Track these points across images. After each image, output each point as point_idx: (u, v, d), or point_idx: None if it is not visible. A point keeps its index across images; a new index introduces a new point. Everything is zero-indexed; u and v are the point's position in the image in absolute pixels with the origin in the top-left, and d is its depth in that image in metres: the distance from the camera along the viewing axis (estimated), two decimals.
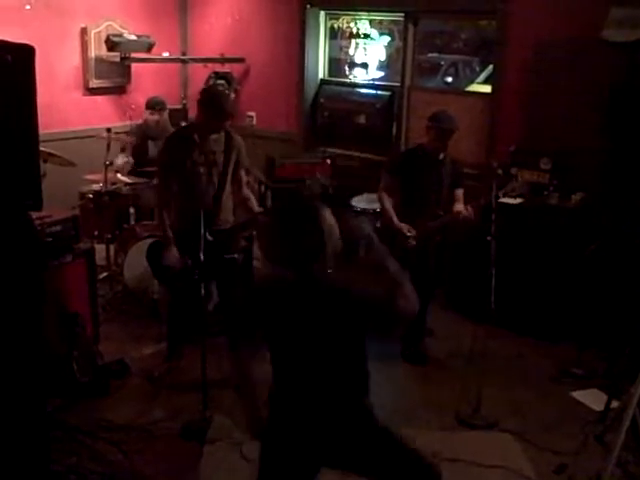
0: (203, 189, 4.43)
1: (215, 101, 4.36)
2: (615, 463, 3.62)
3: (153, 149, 6.28)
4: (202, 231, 4.11)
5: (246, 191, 4.71)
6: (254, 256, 5.85)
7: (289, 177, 6.77)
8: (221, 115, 4.35)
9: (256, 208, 4.65)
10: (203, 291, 4.13)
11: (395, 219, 4.86)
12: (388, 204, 4.94)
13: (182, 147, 4.41)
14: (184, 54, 7.87)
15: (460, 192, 4.99)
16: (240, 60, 7.60)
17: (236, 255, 4.38)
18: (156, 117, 6.35)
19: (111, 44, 6.90)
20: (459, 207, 4.88)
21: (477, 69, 7.19)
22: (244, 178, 4.73)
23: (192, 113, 6.77)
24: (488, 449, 4.06)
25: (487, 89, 6.40)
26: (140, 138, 6.41)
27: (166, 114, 6.43)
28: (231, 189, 4.57)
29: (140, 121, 6.57)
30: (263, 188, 6.85)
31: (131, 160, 6.29)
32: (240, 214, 4.77)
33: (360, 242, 2.63)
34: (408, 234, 4.81)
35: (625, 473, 3.78)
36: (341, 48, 7.50)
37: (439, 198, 4.95)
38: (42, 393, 3.45)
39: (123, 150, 6.31)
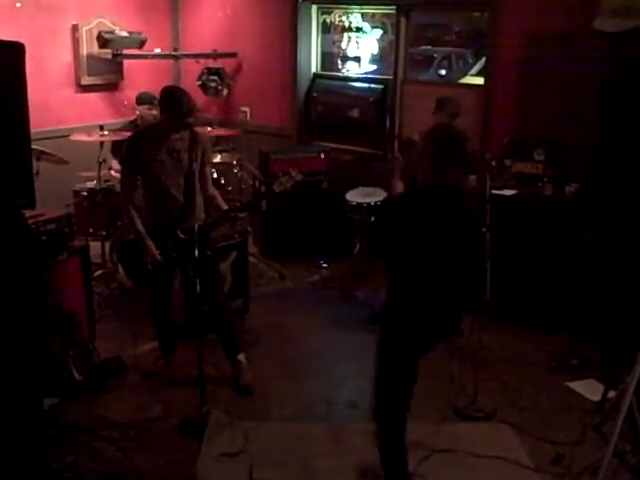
0: (170, 188, 4.41)
1: (173, 100, 4.32)
2: (613, 453, 3.63)
3: None
4: (195, 228, 4.14)
5: (212, 189, 4.68)
6: (249, 252, 5.86)
7: (283, 172, 6.75)
8: (180, 114, 4.31)
9: (224, 206, 4.62)
10: (199, 288, 4.14)
11: None
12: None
13: (145, 147, 4.38)
14: (176, 50, 7.86)
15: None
16: (232, 55, 7.59)
17: (209, 252, 4.35)
18: (154, 112, 6.32)
19: (103, 41, 6.88)
20: None
21: (470, 61, 7.19)
22: (209, 175, 4.72)
23: None
24: (485, 440, 4.07)
25: (480, 81, 6.39)
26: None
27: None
28: (199, 186, 4.54)
29: (133, 117, 6.55)
30: (257, 183, 6.86)
31: None
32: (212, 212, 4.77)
33: None
34: None
35: (623, 463, 3.79)
36: (334, 42, 7.49)
37: None
38: (39, 392, 3.44)
39: (116, 153, 6.25)
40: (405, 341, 3.30)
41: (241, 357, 4.70)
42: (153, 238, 4.41)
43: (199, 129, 4.71)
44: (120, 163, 4.82)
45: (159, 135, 4.40)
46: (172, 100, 4.33)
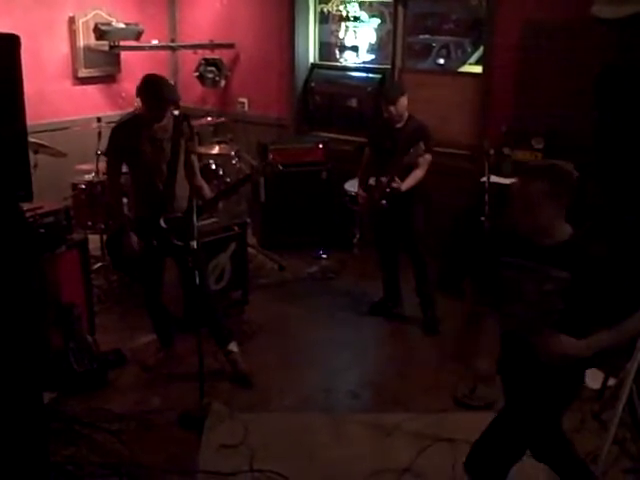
0: (153, 178, 4.39)
1: (152, 89, 4.31)
2: (613, 441, 3.63)
3: None
4: (194, 220, 4.12)
5: (199, 179, 4.65)
6: (248, 243, 5.86)
7: (282, 162, 6.75)
8: (160, 103, 4.29)
9: (209, 194, 4.61)
10: (198, 280, 4.13)
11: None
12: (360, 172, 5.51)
13: (128, 137, 4.37)
14: (173, 41, 7.84)
15: (421, 159, 5.01)
16: (230, 46, 7.56)
17: (193, 242, 4.16)
18: None
19: (100, 33, 6.85)
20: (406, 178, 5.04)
21: (469, 50, 7.15)
22: (196, 164, 4.69)
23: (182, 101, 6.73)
24: None
25: (479, 70, 6.37)
26: None
27: None
28: (184, 175, 4.51)
29: (131, 109, 6.52)
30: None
31: None
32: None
33: None
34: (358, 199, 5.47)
35: (623, 450, 3.79)
36: (331, 32, 7.45)
37: (393, 164, 5.02)
38: (39, 385, 3.44)
39: None
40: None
41: (232, 346, 4.66)
42: (138, 227, 4.43)
43: (194, 120, 4.66)
44: (105, 153, 4.81)
45: (141, 124, 4.38)
46: (151, 89, 4.31)
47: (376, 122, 5.51)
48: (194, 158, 4.64)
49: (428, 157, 5.02)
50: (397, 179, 4.97)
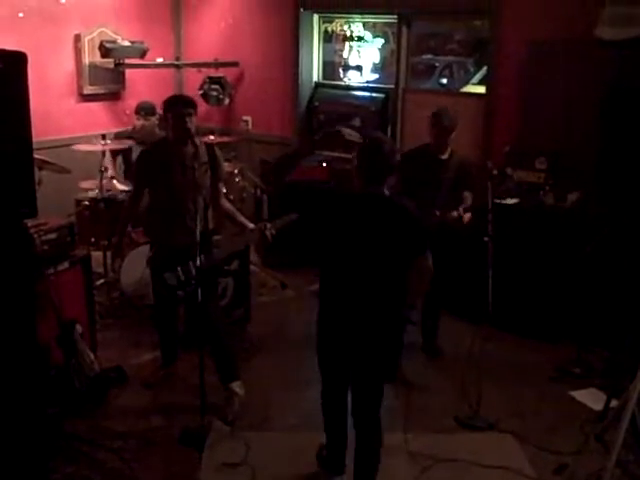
0: (182, 205, 4.31)
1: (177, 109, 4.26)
2: (615, 462, 3.61)
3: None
4: (197, 236, 4.09)
5: (227, 203, 4.64)
6: (251, 261, 5.86)
7: (286, 181, 6.77)
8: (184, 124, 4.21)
9: (250, 225, 4.50)
10: (200, 297, 4.10)
11: None
12: None
13: (156, 162, 4.34)
14: (178, 59, 7.88)
15: (467, 194, 4.89)
16: (234, 64, 7.60)
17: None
18: (142, 122, 6.31)
19: (105, 50, 6.89)
20: (455, 211, 4.77)
21: (472, 70, 7.18)
22: (222, 190, 4.68)
23: None
24: (488, 450, 4.06)
25: (482, 90, 6.40)
26: (128, 143, 6.36)
27: (155, 119, 6.35)
28: (209, 201, 4.46)
29: (130, 127, 6.56)
30: (259, 192, 6.87)
31: (122, 165, 6.30)
32: (228, 227, 4.75)
33: None
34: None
35: (625, 472, 3.78)
36: (335, 51, 7.50)
37: (436, 198, 4.80)
38: (41, 402, 3.44)
39: (114, 157, 6.29)
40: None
41: (235, 386, 4.45)
42: (171, 256, 4.31)
43: (202, 139, 4.66)
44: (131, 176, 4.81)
45: (169, 150, 4.33)
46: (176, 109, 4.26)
47: (413, 151, 5.14)
48: (221, 185, 4.63)
49: (468, 194, 4.90)
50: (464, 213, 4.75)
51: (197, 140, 4.39)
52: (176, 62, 7.77)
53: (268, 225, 4.38)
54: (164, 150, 4.37)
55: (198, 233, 4.07)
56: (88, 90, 7.22)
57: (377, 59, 7.29)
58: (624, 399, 3.82)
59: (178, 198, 4.31)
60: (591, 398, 4.63)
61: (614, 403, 4.17)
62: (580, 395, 4.69)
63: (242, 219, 4.57)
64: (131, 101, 7.33)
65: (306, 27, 7.31)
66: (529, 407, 4.54)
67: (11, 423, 3.14)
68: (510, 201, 5.51)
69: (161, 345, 4.83)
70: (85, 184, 6.08)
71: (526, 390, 4.75)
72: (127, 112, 7.13)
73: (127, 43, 7.11)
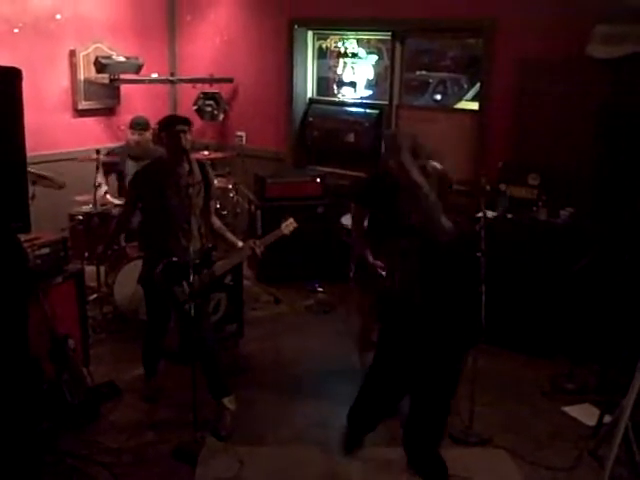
0: (178, 225, 4.32)
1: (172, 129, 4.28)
2: (609, 478, 3.61)
3: (132, 169, 6.24)
4: (190, 250, 4.10)
5: (217, 221, 4.69)
6: (244, 275, 5.86)
7: (279, 196, 6.78)
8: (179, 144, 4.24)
9: (239, 243, 4.57)
10: (193, 312, 4.10)
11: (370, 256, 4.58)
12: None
13: (154, 181, 4.36)
14: (173, 75, 7.90)
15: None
16: (229, 80, 7.63)
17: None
18: (136, 137, 6.31)
19: (100, 66, 6.92)
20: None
21: (465, 86, 7.22)
22: (214, 207, 4.74)
23: None
24: (482, 465, 4.05)
25: (475, 106, 6.44)
26: (122, 158, 6.36)
27: (149, 134, 6.37)
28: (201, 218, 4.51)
29: (124, 142, 6.57)
30: (253, 207, 6.88)
31: (116, 182, 6.31)
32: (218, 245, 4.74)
33: None
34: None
35: None
36: (329, 67, 7.53)
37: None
38: (33, 417, 3.42)
39: (107, 173, 6.30)
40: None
41: (227, 402, 4.40)
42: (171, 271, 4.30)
43: (195, 156, 4.69)
44: (125, 195, 4.85)
45: (164, 171, 4.36)
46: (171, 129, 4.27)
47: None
48: (213, 202, 4.68)
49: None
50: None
51: (191, 158, 4.39)
52: (171, 78, 7.80)
53: (257, 242, 4.43)
54: (159, 170, 4.40)
55: (192, 252, 4.11)
56: (83, 105, 7.23)
57: (371, 75, 7.33)
58: (617, 415, 3.83)
59: (172, 219, 4.33)
60: (585, 413, 4.63)
61: (607, 419, 4.17)
62: (574, 410, 4.69)
63: (231, 237, 4.63)
64: (126, 116, 7.34)
65: (300, 43, 7.35)
66: (523, 423, 4.53)
67: (3, 438, 3.13)
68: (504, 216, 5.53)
69: (145, 358, 4.78)
70: (80, 197, 6.08)
71: (520, 406, 4.74)
72: (122, 127, 7.14)
73: (122, 59, 7.14)
